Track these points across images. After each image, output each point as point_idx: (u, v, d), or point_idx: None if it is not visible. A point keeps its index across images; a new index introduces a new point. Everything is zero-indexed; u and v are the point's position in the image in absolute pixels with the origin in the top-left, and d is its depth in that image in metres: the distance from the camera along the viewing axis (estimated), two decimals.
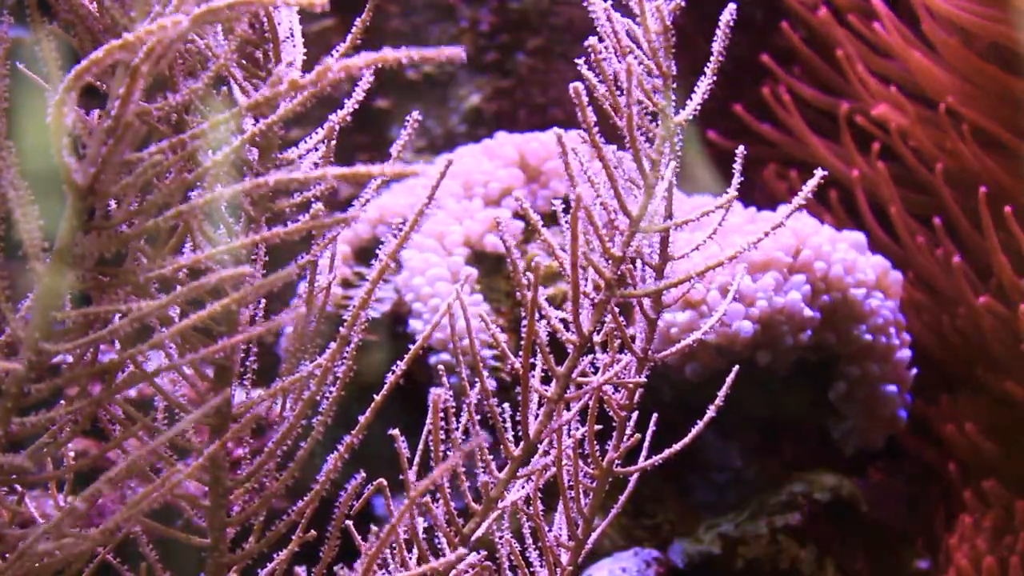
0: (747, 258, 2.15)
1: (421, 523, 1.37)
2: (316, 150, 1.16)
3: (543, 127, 2.60)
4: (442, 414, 1.29)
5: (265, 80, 1.10)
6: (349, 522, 1.34)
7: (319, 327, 1.30)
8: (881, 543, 2.28)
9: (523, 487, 1.36)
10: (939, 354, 2.44)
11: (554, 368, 1.29)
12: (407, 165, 0.91)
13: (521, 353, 1.29)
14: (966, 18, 2.28)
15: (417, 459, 1.34)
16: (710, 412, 1.39)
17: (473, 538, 1.36)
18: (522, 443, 1.33)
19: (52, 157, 0.98)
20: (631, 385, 1.34)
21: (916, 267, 2.47)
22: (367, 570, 1.22)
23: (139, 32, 0.79)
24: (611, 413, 1.40)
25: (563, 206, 1.33)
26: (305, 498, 1.33)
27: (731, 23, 1.21)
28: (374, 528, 1.31)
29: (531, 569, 1.43)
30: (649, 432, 1.43)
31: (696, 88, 1.26)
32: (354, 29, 1.11)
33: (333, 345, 1.25)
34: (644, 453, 1.41)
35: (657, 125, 1.26)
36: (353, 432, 1.28)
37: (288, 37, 1.10)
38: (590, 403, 1.36)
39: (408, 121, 1.19)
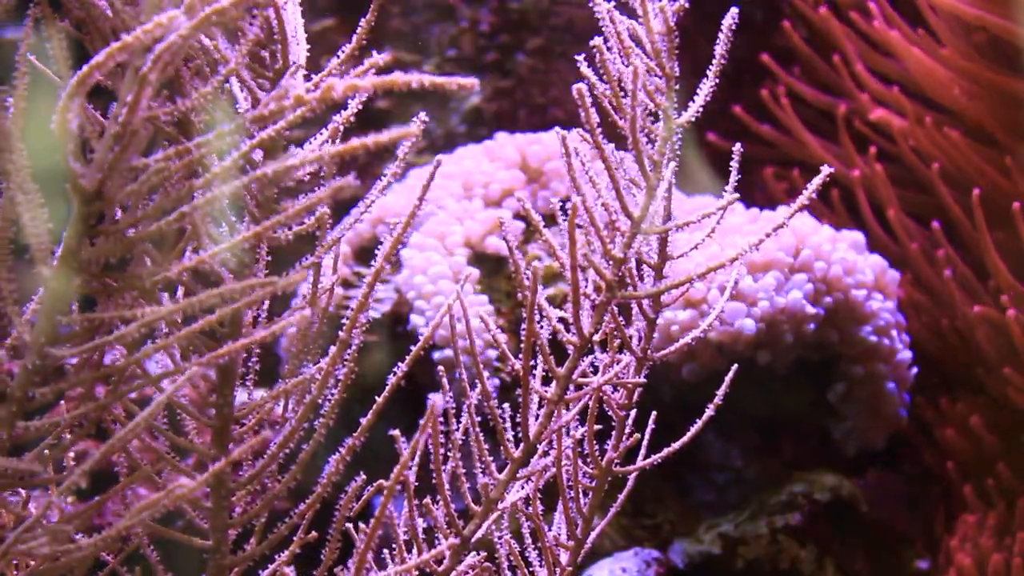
0: (748, 258, 2.15)
1: (421, 524, 1.38)
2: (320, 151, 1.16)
3: (543, 127, 2.60)
4: (441, 417, 1.30)
5: (271, 80, 1.10)
6: (349, 524, 1.34)
7: (321, 328, 1.30)
8: (881, 543, 2.29)
9: (523, 487, 1.36)
10: (938, 354, 2.45)
11: (555, 369, 1.29)
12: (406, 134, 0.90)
13: (521, 355, 1.29)
14: (970, 12, 2.27)
15: (417, 459, 1.34)
16: (709, 411, 1.39)
17: (473, 539, 1.36)
18: (522, 444, 1.33)
19: (52, 158, 0.98)
20: (630, 385, 1.34)
21: (914, 270, 2.48)
22: (359, 567, 1.22)
23: (138, 33, 0.79)
24: (610, 413, 1.41)
25: (562, 206, 1.33)
26: (306, 500, 1.33)
27: (734, 26, 1.21)
28: (362, 526, 1.31)
29: (530, 569, 1.44)
30: (648, 432, 1.43)
31: (698, 89, 1.26)
32: (359, 31, 1.11)
33: (334, 347, 1.25)
34: (643, 453, 1.41)
35: (658, 125, 1.26)
36: (355, 435, 1.28)
37: (293, 36, 1.10)
38: (590, 403, 1.36)
39: (416, 121, 1.20)
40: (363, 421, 1.31)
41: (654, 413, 1.43)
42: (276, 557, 1.33)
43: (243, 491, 1.29)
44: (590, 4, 1.26)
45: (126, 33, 0.92)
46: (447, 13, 2.82)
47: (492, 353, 2.19)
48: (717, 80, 1.25)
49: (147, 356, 1.00)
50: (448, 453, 1.33)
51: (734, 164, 1.25)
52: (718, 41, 1.24)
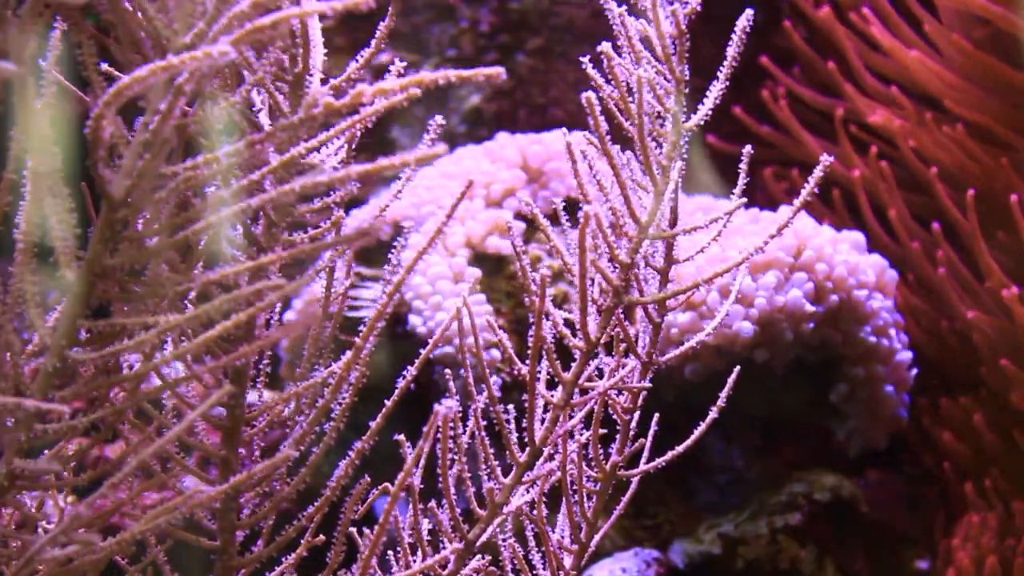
0: (747, 257, 2.15)
1: (426, 525, 1.38)
2: (336, 155, 1.17)
3: (543, 127, 2.60)
4: (445, 422, 1.30)
5: (289, 84, 1.10)
6: (351, 528, 1.34)
7: (333, 331, 1.30)
8: (881, 543, 2.29)
9: (528, 492, 1.37)
10: (938, 355, 2.45)
11: (561, 375, 1.30)
12: (429, 150, 0.91)
13: (526, 359, 1.29)
14: (975, 3, 2.28)
15: (422, 462, 1.34)
16: (712, 414, 1.39)
17: (478, 543, 1.36)
18: (527, 448, 1.33)
19: (53, 157, 0.98)
20: (635, 389, 1.34)
21: (915, 270, 2.48)
22: (363, 572, 1.23)
23: (185, 58, 0.79)
24: (615, 416, 1.41)
25: (564, 205, 1.33)
26: (310, 502, 1.33)
27: (748, 28, 1.21)
28: (367, 532, 1.32)
29: (534, 573, 1.44)
30: (651, 434, 1.43)
31: (700, 90, 1.27)
32: (377, 36, 1.12)
33: (341, 351, 1.25)
34: (646, 455, 1.42)
35: (665, 128, 1.26)
36: (364, 438, 1.29)
37: (312, 41, 1.11)
38: (595, 407, 1.36)
39: (431, 125, 1.20)
40: (371, 424, 1.31)
41: (656, 415, 1.43)
42: (283, 559, 1.34)
43: (251, 492, 1.29)
44: (603, 5, 1.26)
45: (157, 39, 0.93)
46: (447, 13, 2.82)
47: (494, 352, 2.19)
48: (726, 83, 1.25)
49: (166, 363, 1.01)
50: (454, 457, 1.33)
51: (742, 168, 1.25)
52: (729, 43, 1.24)
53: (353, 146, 1.18)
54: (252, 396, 1.27)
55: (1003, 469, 2.23)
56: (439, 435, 1.27)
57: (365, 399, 1.46)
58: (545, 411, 1.33)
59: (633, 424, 1.42)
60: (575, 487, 1.39)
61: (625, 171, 1.24)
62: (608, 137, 1.22)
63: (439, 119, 1.20)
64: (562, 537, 1.43)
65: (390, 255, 1.26)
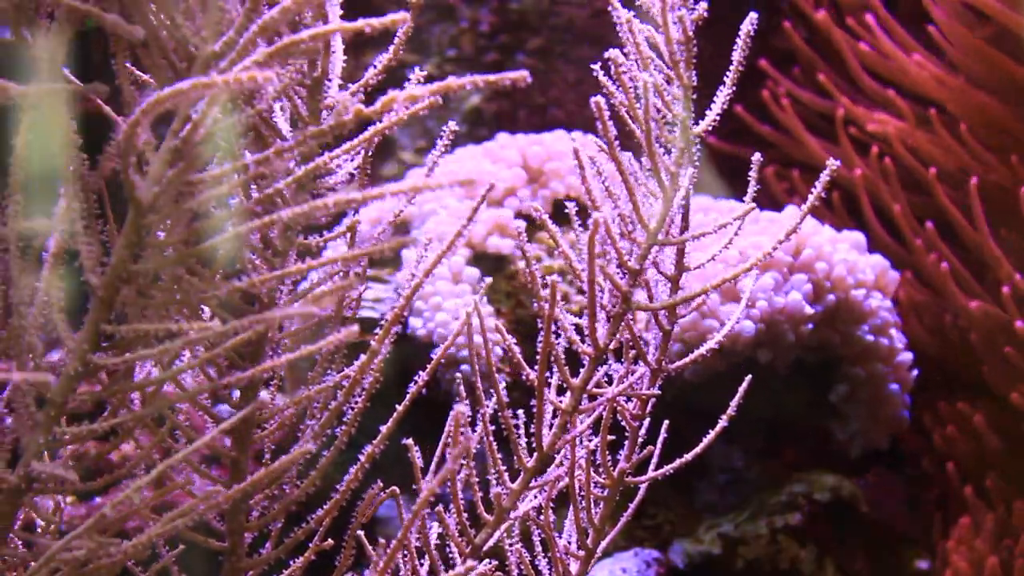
0: (748, 259, 2.15)
1: (435, 528, 1.38)
2: (352, 160, 1.18)
3: (543, 127, 2.61)
4: (456, 426, 1.30)
5: (308, 88, 1.11)
6: (358, 531, 1.35)
7: (321, 328, 1.31)
8: (881, 543, 2.30)
9: (536, 497, 1.37)
10: (939, 355, 2.46)
11: (569, 381, 1.30)
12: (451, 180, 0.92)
13: (528, 361, 1.30)
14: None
15: (429, 465, 1.35)
16: (722, 422, 1.39)
17: (484, 548, 1.37)
18: (535, 454, 1.33)
19: (53, 158, 0.99)
20: (644, 396, 1.35)
21: (919, 266, 2.48)
22: None
23: (227, 77, 0.80)
24: (623, 423, 1.41)
25: (567, 206, 1.34)
26: (318, 505, 1.34)
27: (752, 31, 1.21)
28: (382, 541, 1.32)
29: None
30: (660, 441, 1.43)
31: (708, 94, 1.27)
32: (396, 41, 1.12)
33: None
34: (655, 461, 1.42)
35: (673, 133, 1.26)
36: (375, 442, 1.29)
37: (331, 46, 1.11)
38: (603, 413, 1.37)
39: (445, 130, 1.21)
40: (374, 426, 1.32)
41: (666, 422, 1.43)
42: (291, 562, 1.34)
43: (260, 494, 1.30)
44: (606, 7, 1.26)
45: (185, 48, 0.93)
46: (447, 13, 2.82)
47: (497, 350, 2.20)
48: (734, 88, 1.25)
49: (183, 371, 1.01)
50: (462, 462, 1.34)
51: (752, 176, 1.26)
52: (734, 47, 1.24)
53: (370, 153, 1.19)
54: (264, 396, 1.28)
55: (1003, 469, 2.23)
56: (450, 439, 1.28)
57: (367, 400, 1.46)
58: (553, 417, 1.33)
59: (643, 432, 1.42)
60: (582, 493, 1.40)
61: (633, 177, 1.25)
62: (616, 143, 1.22)
63: (452, 125, 1.21)
64: (569, 543, 1.44)
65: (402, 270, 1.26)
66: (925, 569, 2.29)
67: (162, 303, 0.97)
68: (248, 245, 1.13)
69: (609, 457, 1.40)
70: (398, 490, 1.37)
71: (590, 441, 1.38)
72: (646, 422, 1.42)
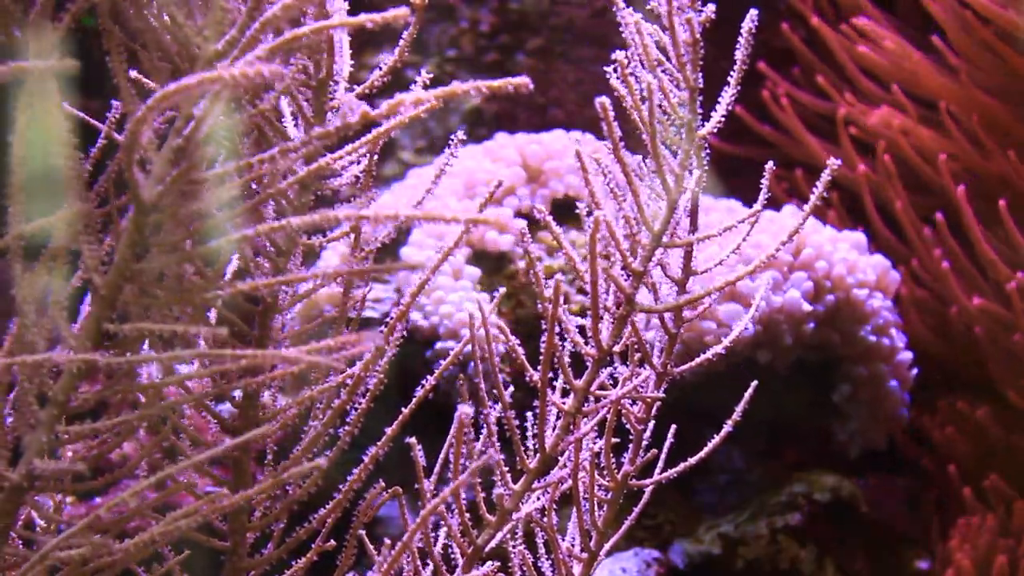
0: (747, 258, 2.16)
1: (441, 532, 1.38)
2: (359, 163, 1.18)
3: (543, 127, 2.60)
4: (460, 427, 1.30)
5: (313, 89, 1.10)
6: (357, 531, 1.35)
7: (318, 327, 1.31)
8: (881, 543, 2.30)
9: (538, 499, 1.37)
10: (941, 353, 2.46)
11: (572, 382, 1.30)
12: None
13: (529, 361, 1.29)
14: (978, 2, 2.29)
15: (430, 465, 1.35)
16: (727, 427, 1.39)
17: (487, 549, 1.36)
18: (538, 455, 1.33)
19: (49, 158, 0.98)
20: (649, 399, 1.34)
21: (922, 262, 2.48)
22: None
23: (233, 72, 0.79)
24: (627, 425, 1.41)
25: (565, 204, 1.34)
26: (320, 505, 1.34)
27: (753, 30, 1.21)
28: (388, 541, 1.32)
29: None
30: (667, 446, 1.43)
31: (707, 94, 1.26)
32: (400, 42, 1.12)
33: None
34: (660, 465, 1.42)
35: (678, 135, 1.26)
36: (379, 443, 1.29)
37: (338, 47, 1.11)
38: (607, 415, 1.36)
39: (452, 138, 1.21)
40: (373, 425, 1.32)
41: (673, 427, 1.43)
42: (293, 563, 1.34)
43: (263, 495, 1.29)
44: (609, 7, 1.25)
45: (187, 48, 0.93)
46: (447, 13, 2.82)
47: (499, 348, 2.20)
48: (738, 88, 1.25)
49: (190, 378, 1.01)
50: (466, 464, 1.34)
51: (764, 183, 1.25)
52: (737, 46, 1.24)
53: (375, 156, 1.19)
54: (265, 398, 1.27)
55: (1004, 469, 2.23)
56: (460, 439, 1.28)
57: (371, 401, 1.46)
58: (556, 418, 1.33)
59: (647, 436, 1.42)
60: (586, 495, 1.39)
61: (638, 178, 1.24)
62: (621, 144, 1.22)
63: (460, 135, 1.21)
64: (572, 545, 1.43)
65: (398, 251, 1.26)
66: (925, 569, 2.29)
67: (165, 302, 0.97)
68: (251, 244, 1.12)
69: (612, 459, 1.40)
70: (400, 490, 1.37)
71: (593, 443, 1.38)
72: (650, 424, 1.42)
